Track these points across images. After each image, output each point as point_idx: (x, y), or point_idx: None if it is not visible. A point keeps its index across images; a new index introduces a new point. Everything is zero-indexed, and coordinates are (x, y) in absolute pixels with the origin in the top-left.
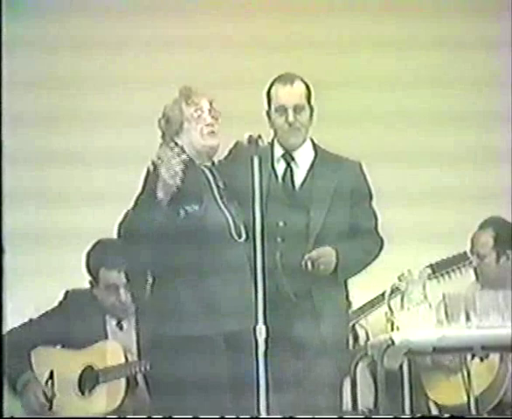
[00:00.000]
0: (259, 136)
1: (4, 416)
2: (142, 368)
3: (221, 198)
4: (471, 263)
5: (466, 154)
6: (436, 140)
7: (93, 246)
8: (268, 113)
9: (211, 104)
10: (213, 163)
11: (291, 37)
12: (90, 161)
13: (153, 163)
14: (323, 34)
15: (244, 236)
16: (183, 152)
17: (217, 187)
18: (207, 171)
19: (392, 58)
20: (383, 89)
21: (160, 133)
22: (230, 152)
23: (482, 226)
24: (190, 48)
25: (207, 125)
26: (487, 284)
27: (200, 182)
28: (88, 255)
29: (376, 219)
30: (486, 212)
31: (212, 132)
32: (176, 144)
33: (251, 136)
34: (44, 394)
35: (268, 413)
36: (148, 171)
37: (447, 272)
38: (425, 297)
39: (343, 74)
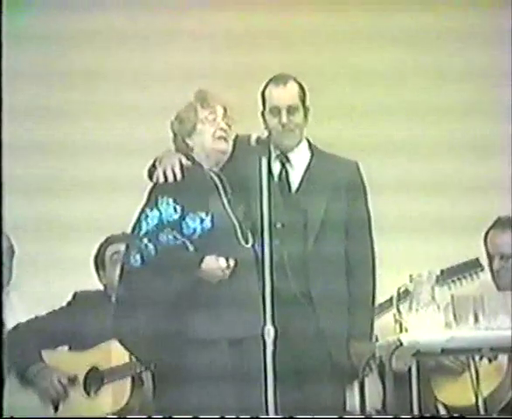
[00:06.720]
0: (268, 136)
1: (4, 416)
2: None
3: (229, 204)
4: (482, 270)
5: (468, 146)
6: (437, 134)
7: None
8: (263, 114)
9: (225, 110)
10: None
11: (291, 31)
12: (100, 153)
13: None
14: (321, 28)
15: (251, 241)
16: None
17: (225, 192)
18: (215, 177)
19: (392, 51)
20: (383, 82)
21: (171, 136)
22: (232, 151)
23: (499, 226)
24: (193, 42)
25: (220, 129)
26: (507, 285)
27: (207, 189)
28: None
29: (369, 222)
30: (492, 205)
31: (224, 137)
32: (187, 145)
33: (259, 137)
34: (60, 381)
35: (277, 413)
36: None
37: (459, 279)
38: (434, 298)
39: (342, 68)
